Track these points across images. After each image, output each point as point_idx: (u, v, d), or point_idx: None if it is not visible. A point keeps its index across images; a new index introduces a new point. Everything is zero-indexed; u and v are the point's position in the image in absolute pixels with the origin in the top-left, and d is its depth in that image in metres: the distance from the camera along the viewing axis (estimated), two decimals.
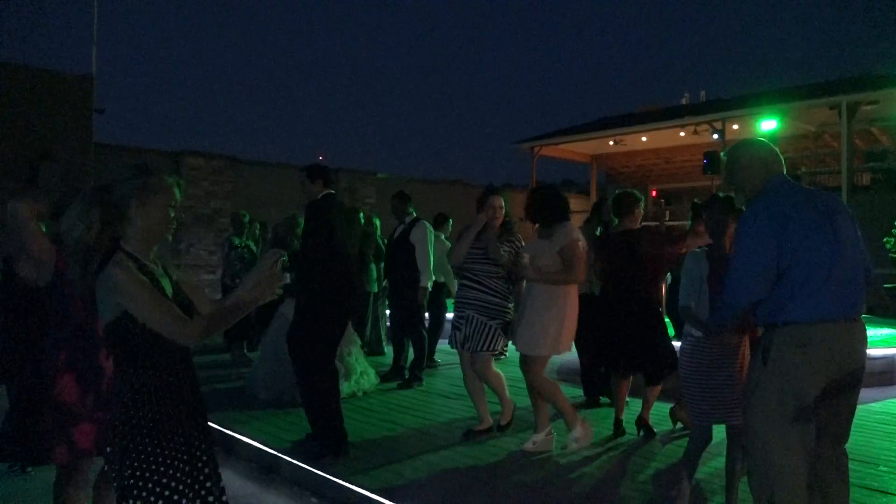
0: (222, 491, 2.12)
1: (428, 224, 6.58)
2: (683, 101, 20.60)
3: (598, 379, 5.54)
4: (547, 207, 4.39)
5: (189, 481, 1.99)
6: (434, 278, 6.68)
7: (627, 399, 4.86)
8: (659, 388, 4.75)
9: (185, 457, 2.00)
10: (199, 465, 2.06)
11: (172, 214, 2.09)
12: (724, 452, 3.31)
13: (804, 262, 2.42)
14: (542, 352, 4.23)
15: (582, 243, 4.29)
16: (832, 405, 2.48)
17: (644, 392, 4.75)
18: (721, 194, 3.34)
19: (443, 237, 7.38)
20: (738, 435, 3.13)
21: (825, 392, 2.42)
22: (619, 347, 4.62)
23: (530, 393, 4.42)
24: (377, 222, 7.74)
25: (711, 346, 3.09)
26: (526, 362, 4.31)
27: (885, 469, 3.96)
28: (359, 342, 6.31)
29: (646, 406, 4.74)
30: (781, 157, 2.69)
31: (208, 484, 2.07)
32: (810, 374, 2.39)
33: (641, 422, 4.71)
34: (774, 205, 2.50)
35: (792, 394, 2.39)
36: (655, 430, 4.70)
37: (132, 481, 1.89)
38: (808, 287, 2.41)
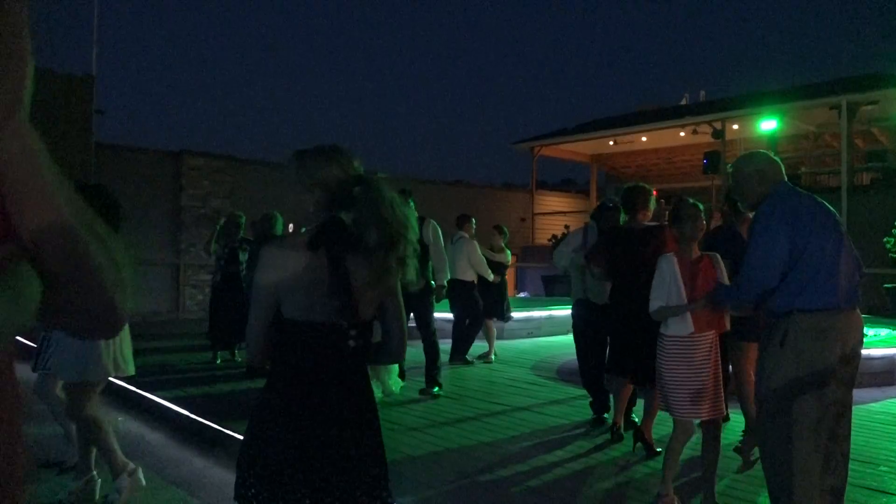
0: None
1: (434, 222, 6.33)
2: (683, 101, 20.61)
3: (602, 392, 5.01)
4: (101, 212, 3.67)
5: None
6: (449, 275, 6.48)
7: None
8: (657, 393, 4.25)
9: None
10: None
11: None
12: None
13: (814, 255, 2.68)
14: (76, 377, 3.40)
15: None
16: (841, 381, 2.69)
17: (645, 399, 4.39)
18: (691, 200, 3.37)
19: (466, 236, 7.43)
20: (713, 429, 3.26)
21: (836, 369, 2.67)
22: (623, 350, 4.40)
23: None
24: None
25: (687, 345, 3.19)
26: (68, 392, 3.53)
27: (885, 469, 3.96)
28: None
29: (648, 417, 4.26)
30: (782, 166, 2.95)
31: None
32: (826, 355, 2.65)
33: (639, 434, 4.24)
34: (785, 204, 2.78)
35: (807, 373, 2.65)
36: (659, 449, 4.16)
37: None
38: (820, 278, 2.67)
